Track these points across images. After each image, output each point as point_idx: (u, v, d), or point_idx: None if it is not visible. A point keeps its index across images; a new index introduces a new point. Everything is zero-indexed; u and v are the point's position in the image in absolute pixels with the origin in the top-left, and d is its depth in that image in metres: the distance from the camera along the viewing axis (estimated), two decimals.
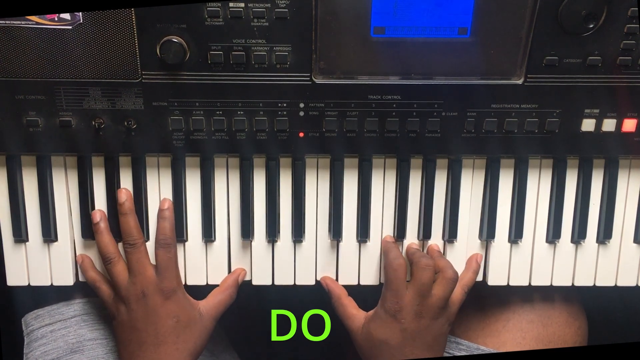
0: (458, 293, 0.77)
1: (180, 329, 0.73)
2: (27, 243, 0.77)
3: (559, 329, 0.83)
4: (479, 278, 0.81)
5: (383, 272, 0.77)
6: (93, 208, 0.76)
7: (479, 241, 0.80)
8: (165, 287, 0.73)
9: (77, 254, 0.78)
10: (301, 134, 0.73)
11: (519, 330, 0.83)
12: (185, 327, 0.73)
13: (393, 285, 0.74)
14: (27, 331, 0.82)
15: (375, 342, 0.74)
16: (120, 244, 0.76)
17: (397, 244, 0.78)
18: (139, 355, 0.72)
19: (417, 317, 0.73)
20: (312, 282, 0.80)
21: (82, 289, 0.82)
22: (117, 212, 0.76)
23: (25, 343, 0.82)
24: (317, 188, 0.78)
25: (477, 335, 0.84)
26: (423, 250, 0.80)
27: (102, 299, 0.76)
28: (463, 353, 0.83)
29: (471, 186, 0.78)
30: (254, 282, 0.80)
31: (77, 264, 0.78)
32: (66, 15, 0.66)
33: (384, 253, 0.78)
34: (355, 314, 0.77)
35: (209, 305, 0.77)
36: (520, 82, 0.71)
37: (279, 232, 0.78)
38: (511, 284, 0.80)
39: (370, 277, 0.80)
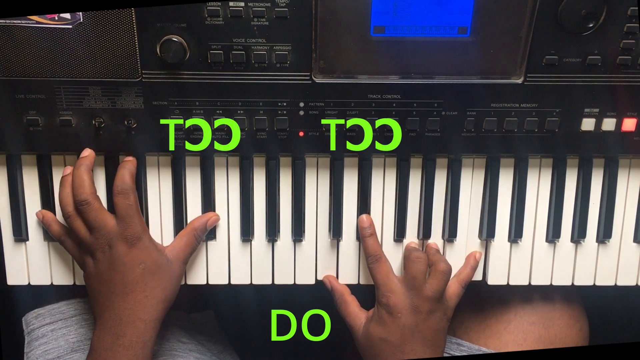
0: (455, 288, 0.77)
1: (148, 275, 0.71)
2: (27, 242, 0.78)
3: (560, 330, 0.83)
4: (479, 278, 0.81)
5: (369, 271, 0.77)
6: None
7: (478, 240, 0.80)
8: (129, 235, 0.71)
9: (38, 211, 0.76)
10: (301, 134, 0.73)
11: (520, 331, 0.83)
12: (153, 274, 0.71)
13: (379, 282, 0.75)
14: (28, 330, 0.82)
15: (374, 341, 0.74)
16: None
17: (372, 230, 0.77)
18: (109, 306, 0.71)
19: (413, 311, 0.73)
20: (312, 282, 0.80)
21: (82, 288, 0.82)
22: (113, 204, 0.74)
23: (25, 342, 0.82)
24: (317, 187, 0.78)
25: (479, 336, 0.84)
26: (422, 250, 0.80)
27: (70, 253, 0.75)
28: (464, 354, 0.83)
29: (471, 186, 0.78)
30: (254, 282, 0.80)
31: (39, 220, 0.76)
32: (66, 15, 0.66)
33: (364, 247, 0.77)
34: (357, 313, 0.77)
35: (176, 249, 0.75)
36: (520, 81, 0.71)
37: (279, 231, 0.78)
38: (511, 283, 0.80)
39: (370, 276, 0.80)
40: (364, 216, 0.77)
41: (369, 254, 0.76)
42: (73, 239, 0.74)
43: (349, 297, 0.79)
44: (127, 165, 0.73)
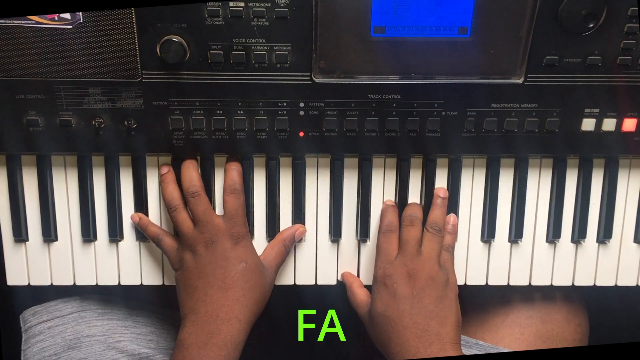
0: (443, 255, 0.75)
1: (248, 274, 0.72)
2: (27, 243, 0.78)
3: (558, 325, 0.83)
4: (482, 282, 0.80)
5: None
6: (93, 208, 0.76)
7: (479, 241, 0.80)
8: (235, 233, 0.73)
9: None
10: (301, 134, 0.73)
11: (517, 325, 0.82)
12: (252, 273, 0.73)
13: (382, 251, 0.74)
14: (25, 327, 0.82)
15: (376, 320, 0.73)
16: None
17: (395, 208, 0.77)
18: (205, 300, 0.71)
19: (408, 279, 0.71)
20: (313, 282, 0.80)
21: (81, 287, 0.82)
22: (119, 208, 0.75)
23: (23, 339, 0.82)
24: (317, 188, 0.78)
25: (476, 330, 0.84)
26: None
27: (166, 251, 0.75)
28: (462, 348, 0.82)
29: (471, 186, 0.78)
30: None
31: (134, 223, 0.77)
32: (66, 15, 0.66)
33: (381, 218, 0.77)
34: (366, 301, 0.77)
35: (268, 257, 0.76)
36: (520, 81, 0.71)
37: (280, 231, 0.78)
38: (511, 283, 0.80)
39: (370, 276, 0.80)
40: (389, 200, 0.78)
41: (387, 223, 0.75)
42: (172, 237, 0.75)
43: (357, 289, 0.78)
44: (236, 167, 0.75)
